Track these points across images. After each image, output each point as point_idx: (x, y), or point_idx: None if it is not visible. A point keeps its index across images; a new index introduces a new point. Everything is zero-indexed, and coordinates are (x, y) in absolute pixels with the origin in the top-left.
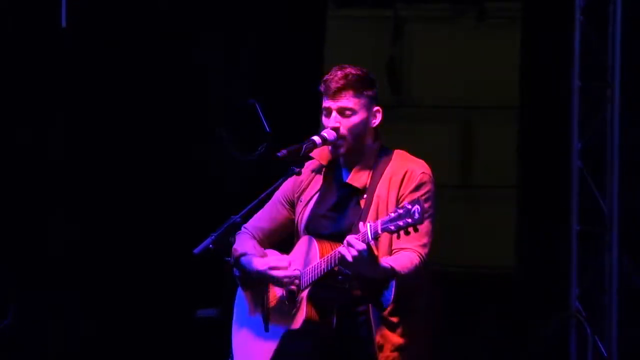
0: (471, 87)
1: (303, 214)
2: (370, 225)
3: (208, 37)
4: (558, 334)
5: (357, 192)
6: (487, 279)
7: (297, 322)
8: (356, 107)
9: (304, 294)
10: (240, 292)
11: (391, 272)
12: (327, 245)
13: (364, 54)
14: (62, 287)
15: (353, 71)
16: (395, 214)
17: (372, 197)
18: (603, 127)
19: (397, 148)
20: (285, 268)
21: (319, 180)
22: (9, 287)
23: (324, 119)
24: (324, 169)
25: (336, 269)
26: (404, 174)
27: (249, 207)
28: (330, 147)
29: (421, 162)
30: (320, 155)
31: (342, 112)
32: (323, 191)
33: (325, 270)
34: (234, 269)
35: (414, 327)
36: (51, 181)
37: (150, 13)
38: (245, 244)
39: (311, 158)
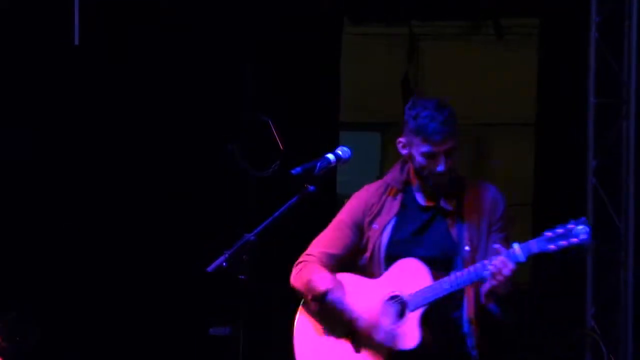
0: (486, 104)
1: (380, 240)
2: (520, 246)
3: (223, 53)
4: (573, 353)
5: (443, 216)
6: None
7: (411, 342)
8: (457, 144)
9: (416, 314)
10: (304, 314)
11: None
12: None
13: (379, 70)
14: (74, 301)
15: (447, 112)
16: (553, 234)
17: (463, 221)
18: (618, 144)
19: None
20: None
21: (393, 204)
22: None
23: (419, 158)
24: (400, 193)
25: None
26: (492, 201)
27: (263, 225)
28: (430, 180)
29: (496, 187)
30: (394, 178)
31: (449, 153)
32: (401, 215)
33: (449, 291)
34: (312, 302)
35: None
36: (56, 191)
37: (165, 27)
38: (324, 278)
39: (320, 177)
